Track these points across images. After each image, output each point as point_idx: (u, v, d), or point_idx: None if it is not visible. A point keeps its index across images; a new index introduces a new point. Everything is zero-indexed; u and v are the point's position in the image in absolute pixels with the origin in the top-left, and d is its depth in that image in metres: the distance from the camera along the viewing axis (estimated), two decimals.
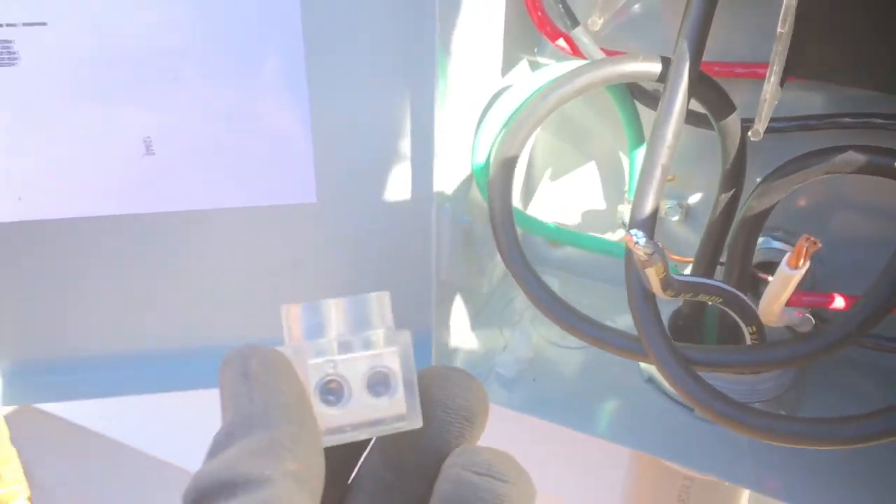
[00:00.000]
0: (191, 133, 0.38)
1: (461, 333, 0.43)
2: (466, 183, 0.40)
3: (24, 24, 0.35)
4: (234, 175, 0.40)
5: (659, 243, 0.28)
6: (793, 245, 0.31)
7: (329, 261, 0.43)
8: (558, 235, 0.44)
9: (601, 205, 0.47)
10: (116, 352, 0.45)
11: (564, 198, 0.48)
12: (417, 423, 0.23)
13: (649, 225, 0.33)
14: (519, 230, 0.38)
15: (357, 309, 0.23)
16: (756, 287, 0.40)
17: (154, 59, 0.36)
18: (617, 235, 0.44)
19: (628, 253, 0.32)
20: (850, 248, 0.41)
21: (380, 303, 0.23)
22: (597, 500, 0.60)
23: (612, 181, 0.46)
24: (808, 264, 0.28)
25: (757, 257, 0.39)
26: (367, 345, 0.23)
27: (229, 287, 0.44)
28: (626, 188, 0.43)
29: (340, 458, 0.24)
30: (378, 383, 0.23)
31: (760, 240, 0.41)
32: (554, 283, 0.42)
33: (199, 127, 0.38)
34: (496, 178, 0.38)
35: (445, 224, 0.39)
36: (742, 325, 0.36)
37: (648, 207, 0.33)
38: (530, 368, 0.43)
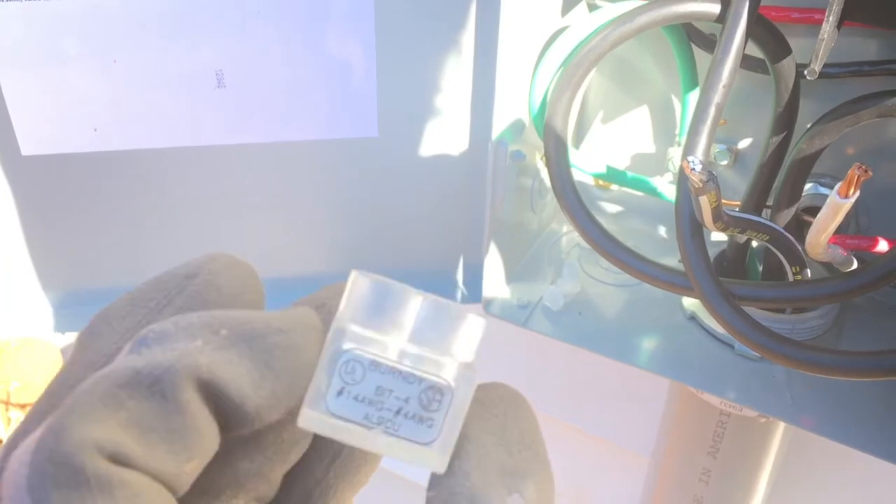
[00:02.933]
0: (261, 67, 0.40)
1: (511, 268, 0.44)
2: (523, 121, 0.42)
3: None
4: (301, 109, 0.41)
5: (713, 172, 0.29)
6: None
7: (388, 194, 0.44)
8: (607, 175, 0.45)
9: (651, 148, 0.48)
10: None
11: (615, 140, 0.49)
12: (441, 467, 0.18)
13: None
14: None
15: (438, 316, 0.18)
16: (801, 231, 0.41)
17: None
18: (666, 178, 0.45)
19: (681, 182, 0.34)
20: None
21: (469, 326, 0.18)
22: (634, 440, 0.62)
23: (663, 125, 0.47)
24: (857, 193, 0.28)
25: (804, 202, 0.40)
26: (421, 363, 0.18)
27: (291, 218, 0.45)
28: (678, 131, 0.44)
29: None
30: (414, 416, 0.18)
31: (808, 185, 0.42)
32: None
33: (269, 61, 0.40)
34: (553, 116, 0.39)
35: (501, 160, 0.40)
36: (786, 265, 0.38)
37: (701, 143, 0.34)
38: (576, 303, 0.44)
